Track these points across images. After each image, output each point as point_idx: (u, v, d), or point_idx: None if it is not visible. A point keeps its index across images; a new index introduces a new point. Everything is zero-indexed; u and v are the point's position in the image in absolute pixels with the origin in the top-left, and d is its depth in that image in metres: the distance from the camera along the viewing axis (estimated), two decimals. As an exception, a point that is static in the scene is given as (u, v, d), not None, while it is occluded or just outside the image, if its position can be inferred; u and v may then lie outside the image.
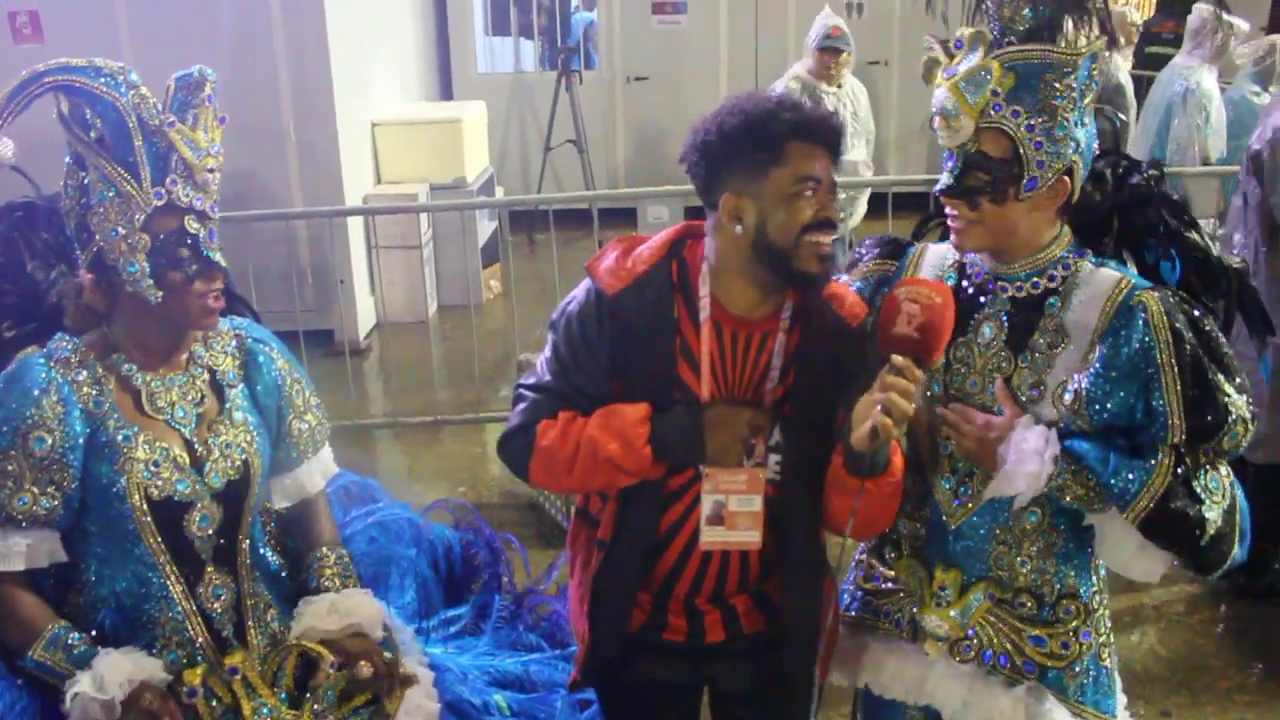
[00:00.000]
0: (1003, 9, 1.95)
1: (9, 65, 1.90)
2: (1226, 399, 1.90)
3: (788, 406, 2.03)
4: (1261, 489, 3.96)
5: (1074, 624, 2.08)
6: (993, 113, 1.92)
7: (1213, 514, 1.91)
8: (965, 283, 2.10)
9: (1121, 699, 2.23)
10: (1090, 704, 2.10)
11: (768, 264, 1.93)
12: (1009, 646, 2.09)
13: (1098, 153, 2.09)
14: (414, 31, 8.73)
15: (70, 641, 1.91)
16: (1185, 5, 6.51)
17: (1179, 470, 1.90)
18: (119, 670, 1.88)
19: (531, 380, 2.06)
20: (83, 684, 1.86)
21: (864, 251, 2.26)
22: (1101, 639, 2.12)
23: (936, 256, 2.16)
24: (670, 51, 9.30)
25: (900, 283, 1.96)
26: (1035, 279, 2.01)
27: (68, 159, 1.97)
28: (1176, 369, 1.89)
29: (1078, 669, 2.09)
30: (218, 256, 1.96)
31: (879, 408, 1.82)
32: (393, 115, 7.50)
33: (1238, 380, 1.93)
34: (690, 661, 2.19)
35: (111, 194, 1.90)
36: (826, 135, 1.93)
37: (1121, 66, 6.48)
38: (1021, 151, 1.92)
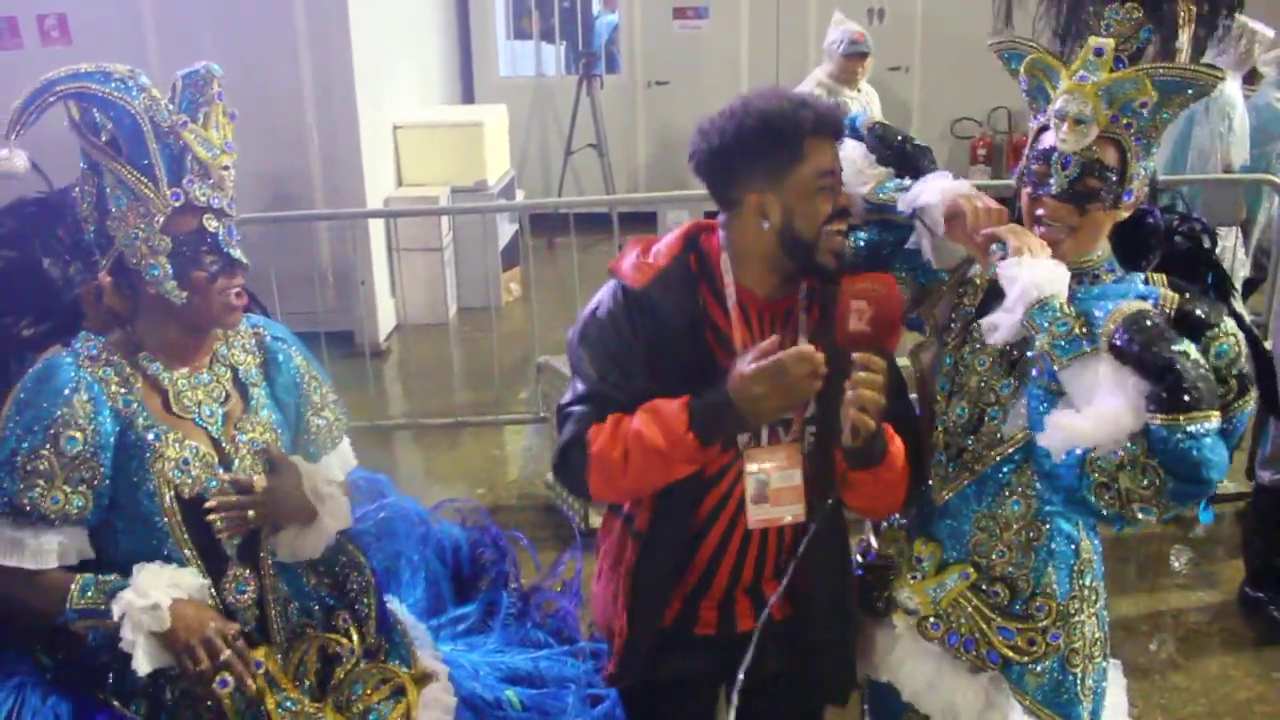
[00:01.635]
0: (1122, 24, 1.99)
1: (38, 69, 1.91)
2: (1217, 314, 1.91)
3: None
4: (1273, 507, 3.96)
5: (1044, 623, 2.09)
6: (1112, 123, 1.96)
7: (1184, 345, 1.81)
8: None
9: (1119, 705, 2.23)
10: (1048, 706, 2.10)
11: (791, 256, 2.00)
12: (976, 634, 2.11)
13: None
14: (436, 35, 8.77)
15: (101, 579, 1.93)
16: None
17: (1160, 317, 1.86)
18: (158, 578, 1.91)
19: (570, 396, 2.07)
20: (127, 596, 1.88)
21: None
22: (1075, 644, 2.11)
23: None
24: (691, 56, 9.31)
25: (845, 282, 1.96)
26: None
27: (82, 164, 1.98)
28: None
29: (1039, 669, 2.09)
30: (238, 253, 1.98)
31: (853, 407, 1.90)
32: (414, 118, 7.53)
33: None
34: (720, 652, 2.20)
35: (129, 198, 1.92)
36: (839, 128, 2.02)
37: None
38: (1129, 163, 1.97)
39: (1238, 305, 2.16)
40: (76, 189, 2.00)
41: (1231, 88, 5.90)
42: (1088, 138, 1.95)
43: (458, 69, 9.43)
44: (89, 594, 1.92)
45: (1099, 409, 1.82)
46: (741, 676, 1.95)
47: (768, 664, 2.20)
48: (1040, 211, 2.02)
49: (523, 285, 7.56)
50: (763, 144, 1.95)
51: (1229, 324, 1.90)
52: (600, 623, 2.30)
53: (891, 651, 2.18)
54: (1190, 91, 1.96)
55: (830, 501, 2.03)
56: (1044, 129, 2.04)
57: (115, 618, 1.88)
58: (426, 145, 7.36)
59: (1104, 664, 2.20)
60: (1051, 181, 1.99)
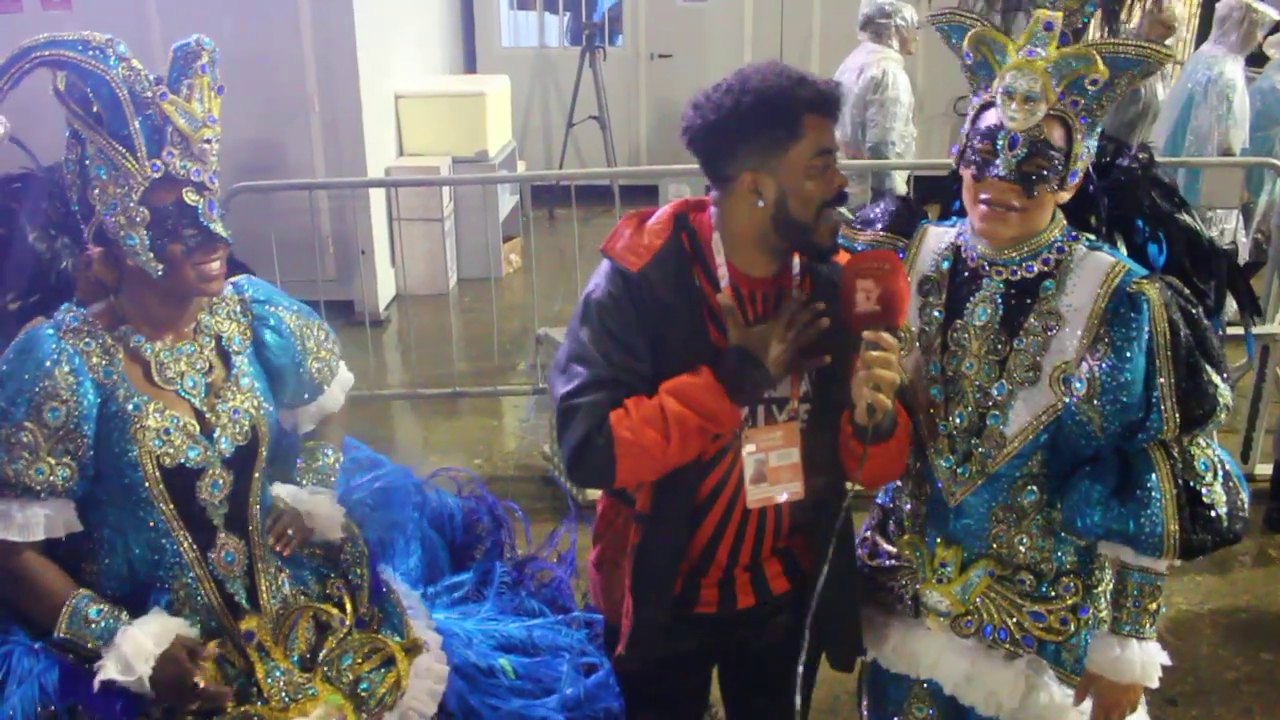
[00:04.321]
0: None
1: (37, 33, 1.89)
2: (1215, 389, 1.96)
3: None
4: None
5: (1072, 600, 2.12)
6: (1059, 102, 1.93)
7: (1219, 497, 1.98)
8: (960, 266, 2.12)
9: None
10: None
11: (786, 236, 1.98)
12: (1009, 621, 2.12)
13: None
14: (439, 4, 8.72)
15: (91, 616, 1.93)
16: None
17: (1180, 479, 1.96)
18: (142, 649, 1.91)
19: (574, 384, 1.99)
20: (109, 670, 1.89)
21: (877, 214, 2.27)
22: (1101, 613, 2.14)
23: (935, 238, 2.18)
24: (694, 29, 9.27)
25: (848, 263, 1.98)
26: (1029, 262, 2.03)
27: (68, 133, 1.96)
28: (1172, 362, 1.94)
29: (1075, 643, 2.12)
30: (218, 228, 1.95)
31: (867, 386, 1.90)
32: (416, 88, 7.50)
33: (1222, 369, 1.99)
34: (720, 629, 2.22)
35: (109, 168, 1.90)
36: (837, 107, 1.97)
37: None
38: (1074, 142, 1.94)
39: (1189, 219, 2.15)
40: (64, 158, 1.98)
41: (1233, 70, 5.88)
42: (1036, 115, 1.92)
43: (460, 39, 9.38)
44: (75, 627, 1.92)
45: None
46: None
47: (771, 635, 2.22)
48: (985, 195, 1.99)
49: (523, 257, 7.55)
50: (760, 121, 1.92)
51: (1223, 392, 1.98)
52: (606, 609, 2.29)
53: (927, 652, 2.19)
54: (1138, 70, 1.93)
55: (851, 488, 2.03)
56: (986, 106, 2.00)
57: (96, 686, 1.90)
58: (428, 115, 7.33)
59: None
60: (998, 162, 1.96)
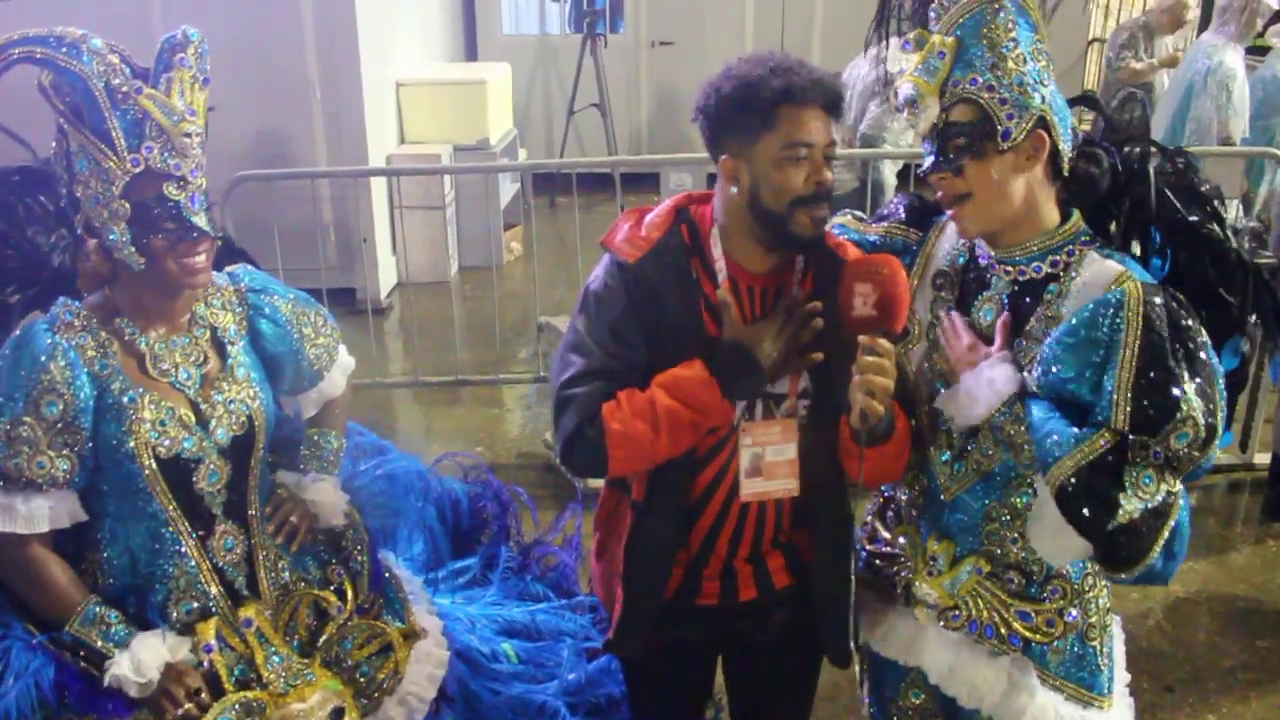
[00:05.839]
0: None
1: (32, 18, 1.91)
2: (1180, 396, 1.82)
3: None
4: None
5: (1060, 604, 2.11)
6: (952, 87, 1.94)
7: (1131, 504, 1.83)
8: (973, 262, 2.11)
9: (1124, 676, 2.26)
10: (1073, 680, 2.13)
11: (762, 224, 2.00)
12: (996, 619, 2.12)
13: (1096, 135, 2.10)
14: (440, -9, 8.71)
15: (107, 620, 1.97)
16: None
17: (1112, 456, 1.84)
18: (156, 655, 1.95)
19: (570, 373, 2.03)
20: (122, 667, 1.93)
21: (893, 209, 2.27)
22: (1091, 619, 2.13)
23: (954, 232, 2.16)
24: (695, 16, 9.23)
25: (848, 265, 1.98)
26: (1037, 263, 2.00)
27: (56, 127, 1.96)
28: (1135, 352, 1.83)
29: (1060, 646, 2.12)
30: (200, 221, 1.95)
31: (861, 391, 1.91)
32: (417, 75, 7.49)
33: (1200, 384, 1.84)
34: (721, 621, 2.23)
35: (90, 163, 1.91)
36: (821, 98, 1.97)
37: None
38: (988, 109, 1.92)
39: (1218, 229, 2.07)
40: (52, 152, 2.00)
41: (1233, 59, 5.88)
42: (929, 111, 1.95)
43: (461, 26, 9.36)
44: (89, 629, 1.96)
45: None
46: None
47: (770, 630, 2.24)
48: (938, 194, 2.02)
49: (524, 245, 7.56)
50: (736, 108, 1.96)
51: (1192, 403, 1.81)
52: (601, 596, 2.32)
53: (915, 641, 2.20)
54: (994, 11, 1.92)
55: (857, 483, 2.03)
56: None
57: (105, 681, 1.94)
58: (429, 103, 7.32)
59: (1114, 627, 2.23)
60: (925, 162, 2.01)
